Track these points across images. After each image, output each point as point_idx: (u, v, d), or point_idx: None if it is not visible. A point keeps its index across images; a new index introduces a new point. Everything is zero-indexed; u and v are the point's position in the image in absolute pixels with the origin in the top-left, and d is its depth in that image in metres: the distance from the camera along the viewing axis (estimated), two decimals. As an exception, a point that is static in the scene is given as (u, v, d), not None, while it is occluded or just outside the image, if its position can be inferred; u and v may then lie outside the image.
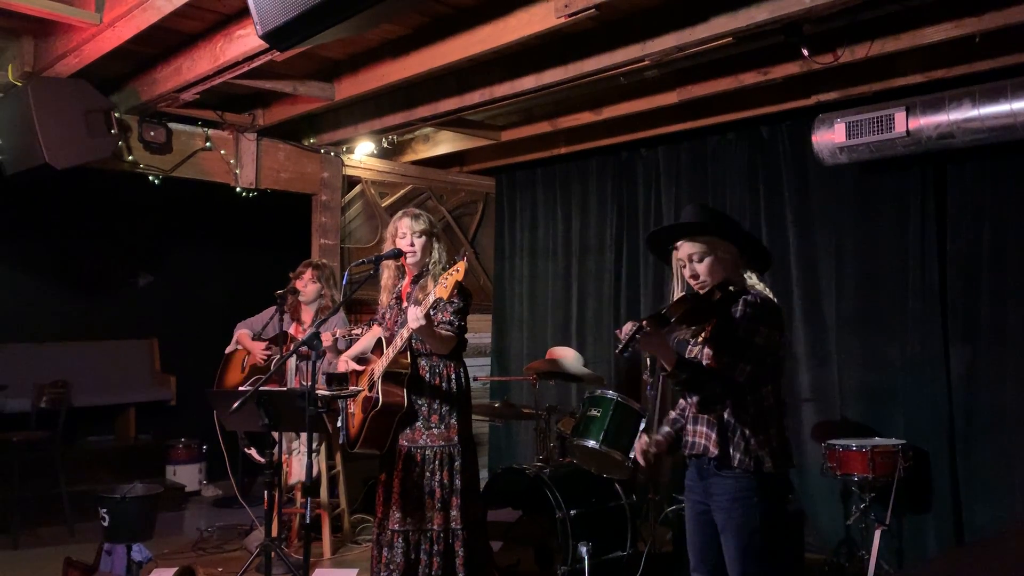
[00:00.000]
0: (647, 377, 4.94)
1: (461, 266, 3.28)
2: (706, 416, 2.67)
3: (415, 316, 3.30)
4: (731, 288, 2.63)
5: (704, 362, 2.64)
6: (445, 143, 6.14)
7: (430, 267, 3.61)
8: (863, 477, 4.20)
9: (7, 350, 6.09)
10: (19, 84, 4.39)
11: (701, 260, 2.69)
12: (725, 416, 2.63)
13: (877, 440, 4.42)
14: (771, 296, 2.71)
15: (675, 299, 2.70)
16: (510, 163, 6.62)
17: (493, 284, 7.01)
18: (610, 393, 4.53)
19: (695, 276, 2.70)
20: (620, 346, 2.45)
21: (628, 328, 2.49)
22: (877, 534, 4.04)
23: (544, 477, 4.31)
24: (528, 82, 4.32)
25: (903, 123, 4.25)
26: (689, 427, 2.74)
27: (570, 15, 3.35)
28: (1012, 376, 4.40)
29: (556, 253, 6.61)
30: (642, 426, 4.49)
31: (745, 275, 2.75)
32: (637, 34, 3.79)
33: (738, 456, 2.59)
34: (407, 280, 3.71)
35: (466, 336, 3.71)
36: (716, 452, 2.62)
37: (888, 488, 4.22)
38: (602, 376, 5.32)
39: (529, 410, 4.90)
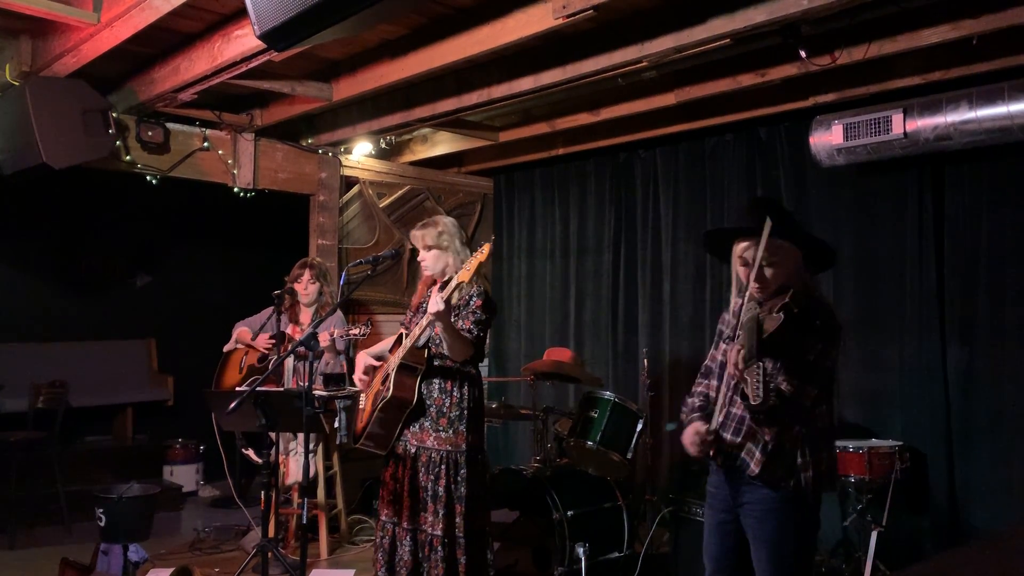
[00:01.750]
0: (645, 378, 4.95)
1: (486, 248, 3.23)
2: (752, 431, 2.54)
3: (436, 300, 3.27)
4: (800, 300, 2.48)
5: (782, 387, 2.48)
6: (443, 144, 6.14)
7: (453, 274, 3.54)
8: (860, 478, 4.20)
9: (4, 350, 6.07)
10: (17, 84, 4.38)
11: (770, 265, 2.55)
12: (775, 436, 2.50)
13: (874, 441, 4.43)
14: (832, 307, 2.62)
15: (761, 319, 2.48)
16: (508, 164, 6.63)
17: (491, 285, 7.01)
18: (607, 393, 4.54)
19: (760, 280, 2.55)
20: (759, 400, 2.27)
21: (736, 361, 2.34)
22: (874, 535, 4.04)
23: (541, 478, 4.32)
24: (526, 83, 4.32)
25: (900, 125, 4.25)
26: (726, 436, 2.60)
27: (568, 16, 3.35)
28: (1009, 377, 4.40)
29: (554, 254, 6.61)
30: (639, 427, 4.50)
31: (805, 279, 2.61)
32: (635, 35, 3.79)
33: (780, 474, 2.50)
34: (435, 287, 3.65)
35: (484, 349, 3.65)
36: (757, 471, 2.51)
37: (885, 489, 4.23)
38: (600, 377, 5.32)
39: (527, 410, 4.91)
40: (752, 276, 2.53)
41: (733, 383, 2.56)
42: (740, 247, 2.61)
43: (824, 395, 2.53)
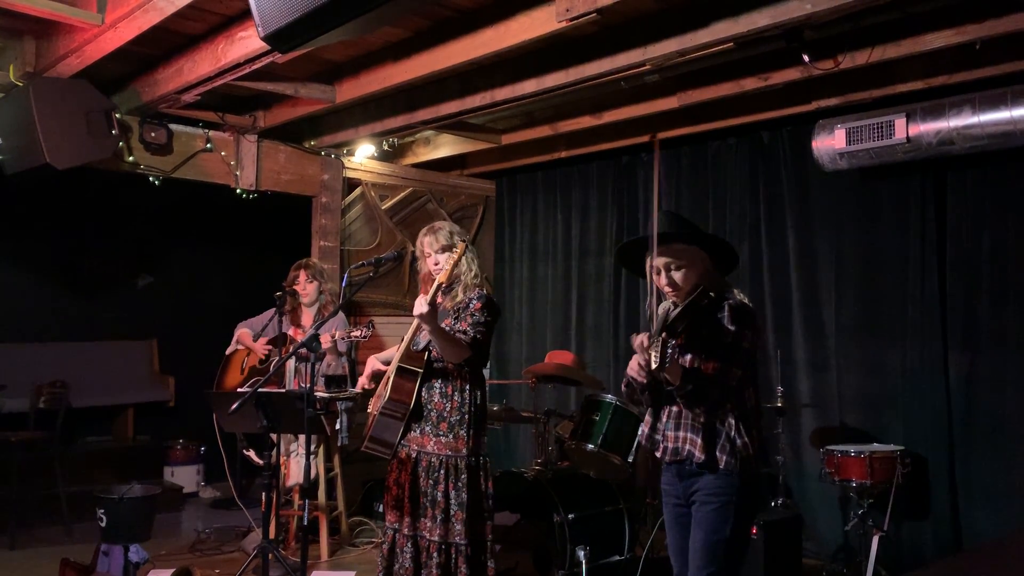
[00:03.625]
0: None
1: (460, 246, 3.38)
2: (689, 422, 2.70)
3: (419, 302, 3.28)
4: (711, 293, 2.67)
5: (700, 369, 2.66)
6: (446, 146, 6.14)
7: (461, 278, 3.55)
8: (861, 483, 4.19)
9: (6, 350, 6.07)
10: (21, 84, 4.39)
11: (678, 269, 2.74)
12: (710, 421, 2.66)
13: (876, 446, 4.42)
14: (746, 300, 2.78)
15: (672, 310, 2.73)
16: (511, 166, 6.63)
17: (492, 287, 7.01)
18: (609, 396, 4.53)
19: (671, 285, 2.74)
20: (656, 365, 2.42)
21: (641, 341, 2.50)
22: (875, 540, 4.04)
23: (543, 480, 4.31)
24: (529, 86, 4.32)
25: (903, 129, 4.25)
26: (670, 433, 2.75)
27: (572, 19, 3.35)
28: (1011, 382, 4.40)
29: (556, 257, 6.62)
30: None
31: (716, 278, 2.78)
32: (638, 39, 3.80)
33: (724, 458, 2.63)
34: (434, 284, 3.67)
35: (487, 352, 3.62)
36: (703, 457, 2.65)
37: (886, 494, 4.22)
38: (601, 379, 5.31)
39: (528, 413, 4.90)
40: (661, 281, 2.75)
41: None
42: (651, 255, 2.78)
43: (748, 377, 2.70)
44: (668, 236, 2.74)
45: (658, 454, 2.81)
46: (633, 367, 2.70)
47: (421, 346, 3.57)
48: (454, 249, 3.47)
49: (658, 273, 2.76)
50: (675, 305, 2.76)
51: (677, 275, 2.74)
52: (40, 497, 5.38)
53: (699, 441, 2.66)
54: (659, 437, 2.79)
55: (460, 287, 3.52)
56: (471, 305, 3.51)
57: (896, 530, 4.57)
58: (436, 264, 3.55)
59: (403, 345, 3.54)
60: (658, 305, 2.86)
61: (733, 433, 2.65)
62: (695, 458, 2.66)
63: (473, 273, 3.56)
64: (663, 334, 2.46)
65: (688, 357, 2.69)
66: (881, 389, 4.84)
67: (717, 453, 2.64)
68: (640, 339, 2.54)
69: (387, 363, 3.70)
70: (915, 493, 4.53)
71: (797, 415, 5.04)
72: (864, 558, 4.13)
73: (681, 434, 2.71)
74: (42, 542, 5.11)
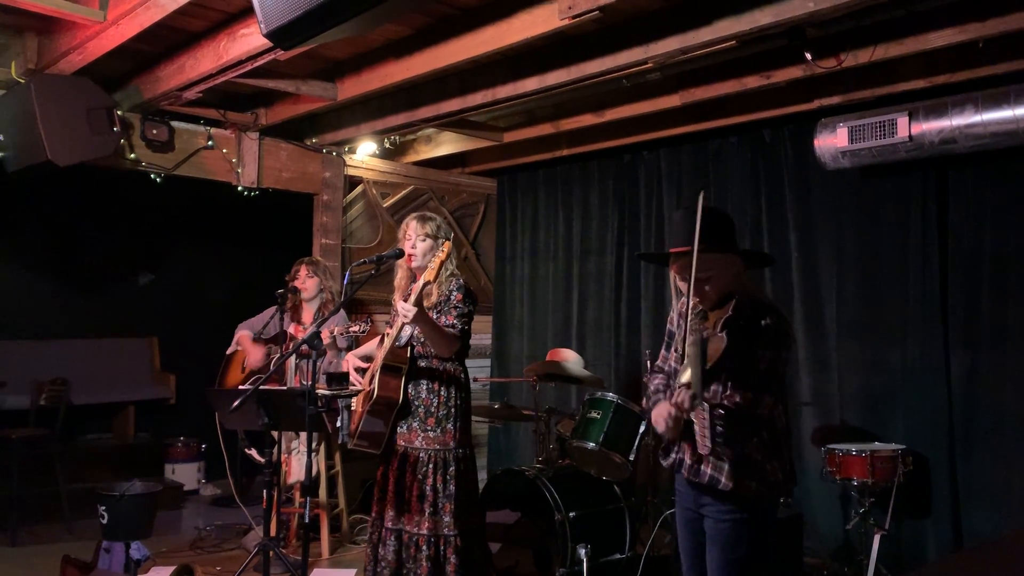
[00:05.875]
0: (648, 379, 4.95)
1: (446, 246, 3.41)
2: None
3: (404, 308, 3.32)
4: (745, 309, 2.48)
5: (726, 403, 2.46)
6: (447, 144, 6.14)
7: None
8: (863, 482, 4.19)
9: (7, 347, 6.07)
10: (22, 81, 4.39)
11: (706, 281, 2.53)
12: (739, 448, 2.47)
13: (877, 445, 4.42)
14: (778, 308, 2.57)
15: (707, 335, 2.48)
16: (512, 164, 6.62)
17: (494, 285, 7.01)
18: (610, 395, 4.53)
19: (698, 294, 2.54)
20: (707, 447, 2.27)
21: (680, 401, 2.29)
22: (876, 539, 4.03)
23: (543, 479, 4.31)
24: (531, 84, 4.32)
25: (906, 128, 4.25)
26: (688, 446, 2.57)
27: (574, 17, 3.35)
28: (1012, 381, 4.39)
29: (557, 255, 6.61)
30: (642, 428, 4.49)
31: (748, 284, 2.60)
32: (640, 36, 3.79)
33: (753, 485, 2.48)
34: (417, 283, 3.69)
35: (470, 341, 3.69)
36: (731, 485, 2.47)
37: (888, 493, 4.22)
38: (602, 378, 5.31)
39: (529, 411, 4.90)
40: (690, 293, 2.49)
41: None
42: (675, 267, 2.61)
43: (779, 399, 2.53)
44: (694, 252, 2.45)
45: (665, 463, 2.66)
46: (660, 420, 2.45)
47: (403, 341, 3.60)
48: (439, 242, 3.55)
49: (683, 279, 2.55)
50: (705, 316, 2.56)
51: (705, 286, 2.54)
52: (41, 494, 5.38)
53: (726, 467, 2.48)
54: (673, 447, 2.62)
55: (435, 284, 3.55)
56: (452, 297, 3.56)
57: (897, 529, 4.56)
58: (413, 249, 3.60)
59: (387, 342, 3.56)
60: (682, 320, 2.57)
61: (761, 457, 2.49)
62: (721, 485, 2.48)
63: (449, 272, 3.60)
64: (704, 399, 2.25)
65: (721, 379, 2.49)
66: (882, 387, 4.84)
67: (746, 481, 2.47)
68: (682, 397, 2.27)
69: (365, 359, 3.75)
70: (916, 492, 4.53)
71: (798, 413, 5.03)
72: (865, 557, 4.13)
73: (703, 455, 2.47)
74: (43, 539, 5.11)
